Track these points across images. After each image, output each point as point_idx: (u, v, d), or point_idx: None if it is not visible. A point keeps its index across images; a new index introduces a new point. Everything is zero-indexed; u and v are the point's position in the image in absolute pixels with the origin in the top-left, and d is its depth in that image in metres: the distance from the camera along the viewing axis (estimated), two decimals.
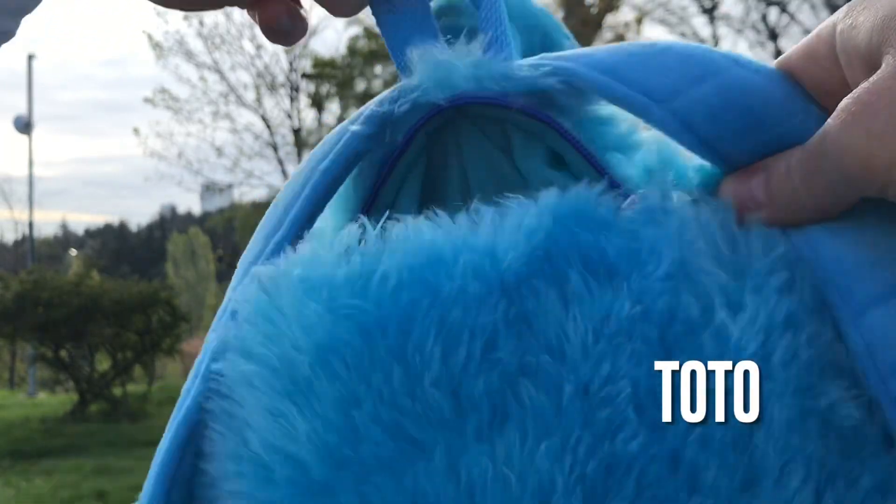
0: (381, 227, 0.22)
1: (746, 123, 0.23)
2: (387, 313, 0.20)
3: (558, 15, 9.05)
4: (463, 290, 0.20)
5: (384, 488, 0.20)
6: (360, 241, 0.22)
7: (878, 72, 0.21)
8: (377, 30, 0.28)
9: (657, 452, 0.19)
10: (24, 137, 12.22)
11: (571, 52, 0.26)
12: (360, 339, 0.20)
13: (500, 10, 0.28)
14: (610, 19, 8.86)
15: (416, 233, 0.22)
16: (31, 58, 12.51)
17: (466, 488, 0.19)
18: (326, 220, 0.27)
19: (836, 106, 0.23)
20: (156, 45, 11.04)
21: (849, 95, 0.22)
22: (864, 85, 0.21)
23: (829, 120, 0.22)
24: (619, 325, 0.20)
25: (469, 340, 0.20)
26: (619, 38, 8.85)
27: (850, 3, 0.23)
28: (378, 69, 12.02)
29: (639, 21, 8.83)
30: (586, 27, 8.43)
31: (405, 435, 0.20)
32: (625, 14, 8.98)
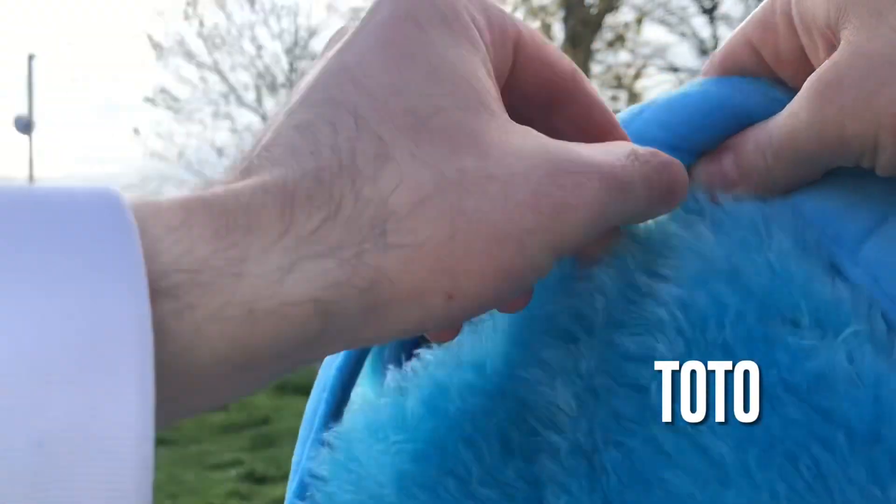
0: (406, 368, 0.27)
1: (694, 123, 0.26)
2: (423, 440, 0.25)
3: (558, 15, 9.08)
4: (463, 407, 0.25)
5: None
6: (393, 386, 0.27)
7: (839, 49, 0.22)
8: None
9: None
10: (25, 137, 12.24)
11: None
12: (415, 466, 0.24)
13: None
14: (610, 19, 8.86)
15: (424, 366, 0.26)
16: (31, 58, 12.53)
17: None
18: (364, 382, 0.30)
19: (793, 72, 0.25)
20: (156, 46, 11.06)
21: (813, 75, 0.23)
22: (826, 65, 0.22)
23: (796, 100, 0.23)
24: None
25: (486, 442, 0.24)
26: (619, 38, 8.86)
27: None
28: None
29: (639, 21, 8.83)
30: (586, 27, 8.43)
31: None
32: (625, 14, 8.98)
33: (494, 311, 0.25)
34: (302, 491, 0.27)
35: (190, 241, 0.16)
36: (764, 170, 0.24)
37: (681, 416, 0.21)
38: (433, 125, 0.19)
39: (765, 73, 0.27)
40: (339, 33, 0.22)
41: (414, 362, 0.26)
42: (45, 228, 0.14)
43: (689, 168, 0.26)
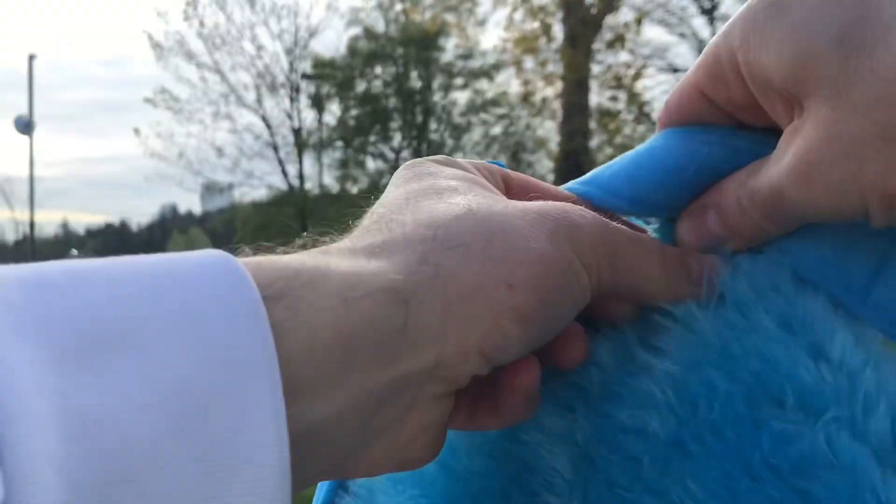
0: None
1: (659, 181, 0.27)
2: (436, 496, 0.28)
3: (558, 15, 9.08)
4: (469, 467, 0.27)
5: None
6: None
7: (809, 124, 0.23)
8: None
9: None
10: (25, 138, 12.24)
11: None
12: None
13: None
14: (610, 20, 8.87)
15: None
16: (31, 58, 12.53)
17: None
18: None
19: (750, 116, 0.26)
20: (156, 46, 11.06)
21: (791, 153, 0.23)
22: (802, 143, 0.23)
23: (778, 174, 0.24)
24: None
25: (489, 501, 0.27)
26: (619, 38, 8.86)
27: (735, 24, 0.25)
28: (378, 70, 12.04)
29: (638, 21, 8.84)
30: (586, 27, 8.44)
31: None
32: (624, 14, 8.99)
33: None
34: None
35: (282, 260, 0.20)
36: (753, 227, 0.25)
37: (669, 488, 0.23)
38: (447, 194, 0.25)
39: (721, 119, 0.27)
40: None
41: None
42: (182, 292, 0.17)
43: (658, 222, 0.28)
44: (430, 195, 0.24)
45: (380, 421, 0.21)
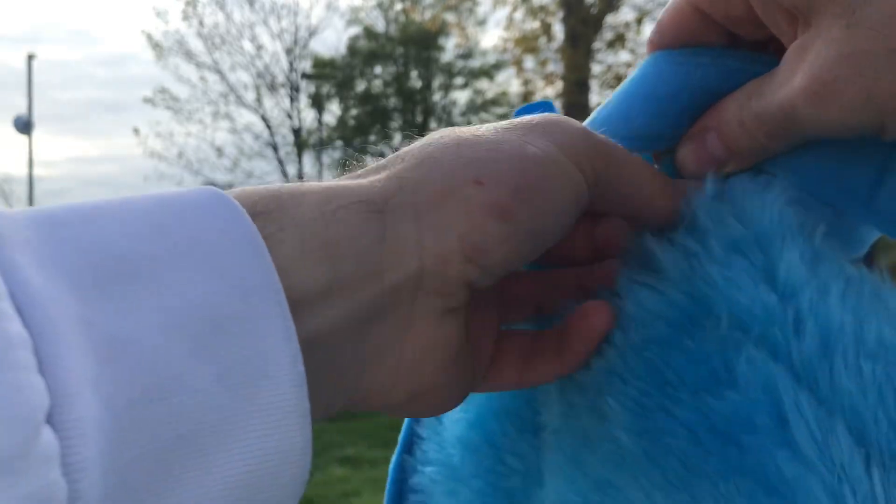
0: None
1: (654, 112, 0.26)
2: (474, 413, 0.31)
3: (558, 14, 9.07)
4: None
5: None
6: None
7: (823, 43, 0.23)
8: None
9: None
10: (24, 137, 12.23)
11: None
12: (470, 432, 0.31)
13: None
14: (610, 19, 8.86)
15: None
16: (30, 57, 12.52)
17: None
18: None
19: (747, 31, 0.26)
20: (156, 45, 11.05)
21: (803, 71, 0.23)
22: (815, 61, 0.23)
23: (789, 94, 0.23)
24: None
25: (508, 419, 0.30)
26: (620, 37, 8.85)
27: None
28: (378, 69, 12.03)
29: (639, 21, 8.83)
30: (586, 27, 8.43)
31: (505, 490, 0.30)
32: (625, 14, 8.98)
33: None
34: (408, 446, 0.34)
35: (262, 187, 0.21)
36: (757, 147, 0.25)
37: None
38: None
39: (713, 36, 0.27)
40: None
41: None
42: (189, 229, 0.19)
43: (656, 154, 0.28)
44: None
45: (377, 337, 0.21)
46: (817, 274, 0.23)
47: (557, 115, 0.25)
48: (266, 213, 0.20)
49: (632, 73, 0.27)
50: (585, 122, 0.28)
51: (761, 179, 0.25)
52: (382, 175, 0.22)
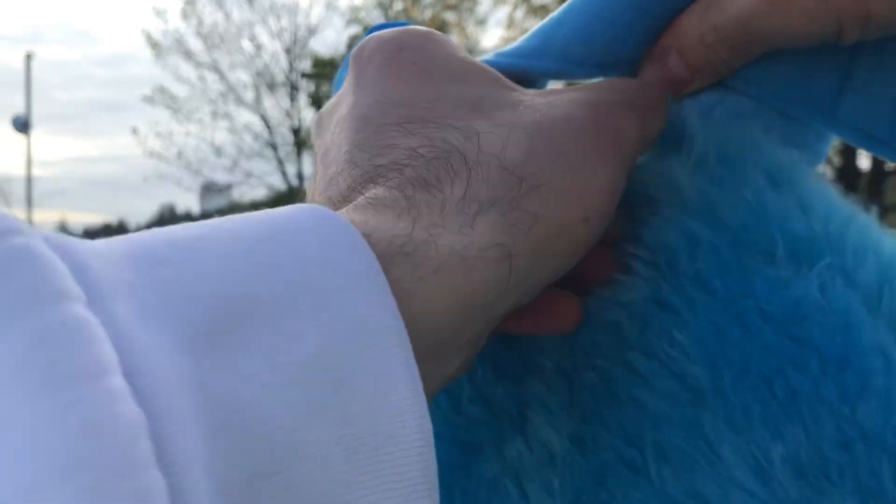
0: None
1: (616, 34, 0.25)
2: None
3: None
4: None
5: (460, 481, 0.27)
6: None
7: None
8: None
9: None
10: (23, 137, 12.22)
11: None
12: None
13: None
14: None
15: None
16: (29, 57, 12.51)
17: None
18: None
19: None
20: (154, 45, 11.04)
21: None
22: None
23: (747, 4, 0.23)
24: None
25: (479, 364, 0.26)
26: None
27: None
28: None
29: None
30: None
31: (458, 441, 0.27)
32: None
33: None
34: None
35: (382, 225, 0.18)
36: (718, 62, 0.25)
37: (653, 344, 0.23)
38: (486, 105, 0.22)
39: None
40: (331, 106, 0.24)
41: None
42: (302, 260, 0.16)
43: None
44: (471, 109, 0.22)
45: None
46: (851, 207, 0.23)
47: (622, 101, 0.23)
48: (395, 254, 0.18)
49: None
50: (518, 45, 0.27)
51: (730, 101, 0.25)
52: (503, 203, 0.20)
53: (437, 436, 0.23)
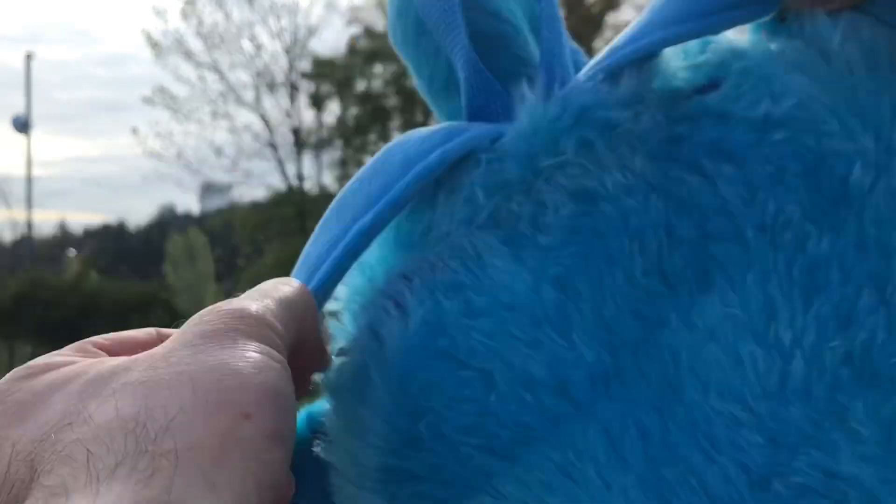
0: None
1: None
2: (581, 242, 0.25)
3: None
4: (622, 207, 0.25)
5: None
6: None
7: None
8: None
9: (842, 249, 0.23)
10: (23, 137, 12.19)
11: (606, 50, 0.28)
12: (576, 262, 0.25)
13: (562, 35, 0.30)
14: (611, 18, 8.82)
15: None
16: (29, 57, 12.48)
17: (704, 331, 0.24)
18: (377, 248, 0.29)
19: None
20: (154, 45, 11.01)
21: None
22: None
23: None
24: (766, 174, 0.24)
25: (653, 233, 0.25)
26: None
27: None
28: (378, 69, 11.98)
29: None
30: (587, 26, 8.39)
31: (643, 315, 0.25)
32: (626, 13, 8.94)
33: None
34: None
35: None
36: None
37: None
38: (92, 387, 0.22)
39: None
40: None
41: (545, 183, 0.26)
42: None
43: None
44: (79, 400, 0.21)
45: None
46: None
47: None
48: None
49: None
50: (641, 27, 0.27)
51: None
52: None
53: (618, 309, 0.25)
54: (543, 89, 0.27)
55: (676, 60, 0.27)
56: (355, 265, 0.28)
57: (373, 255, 0.28)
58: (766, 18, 0.27)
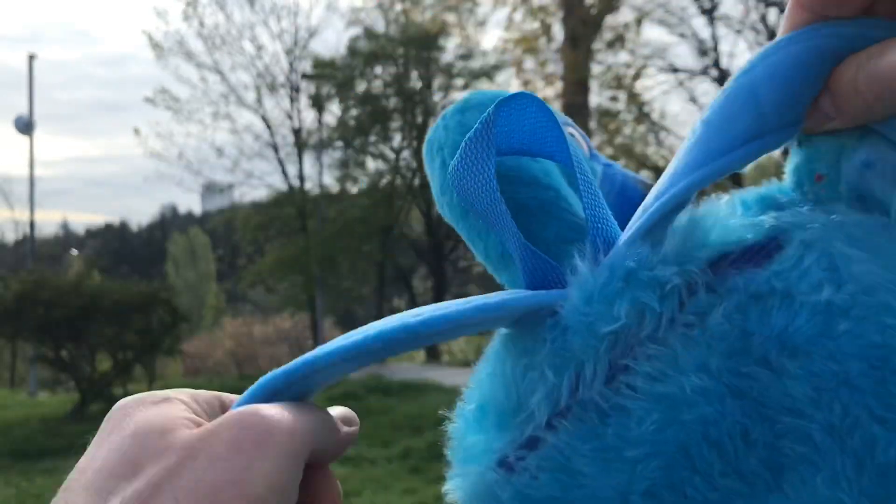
0: None
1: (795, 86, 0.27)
2: (667, 452, 0.27)
3: (558, 15, 9.05)
4: (700, 414, 0.26)
5: None
6: None
7: None
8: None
9: None
10: (25, 137, 12.21)
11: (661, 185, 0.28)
12: (661, 472, 0.27)
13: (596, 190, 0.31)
14: (610, 20, 8.85)
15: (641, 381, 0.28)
16: (31, 58, 12.50)
17: None
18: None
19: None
20: (156, 46, 11.04)
21: None
22: None
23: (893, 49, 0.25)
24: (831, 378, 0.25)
25: (730, 440, 0.26)
26: (619, 38, 8.84)
27: None
28: (378, 69, 12.00)
29: (638, 22, 8.82)
30: (586, 27, 8.42)
31: None
32: (624, 14, 8.96)
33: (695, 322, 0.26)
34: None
35: None
36: (864, 108, 0.26)
37: None
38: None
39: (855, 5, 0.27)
40: None
41: (625, 379, 0.27)
42: None
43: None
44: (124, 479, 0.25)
45: None
46: None
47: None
48: None
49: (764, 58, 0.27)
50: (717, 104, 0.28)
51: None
52: None
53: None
54: (591, 258, 0.28)
55: (733, 217, 0.28)
56: (473, 439, 0.29)
57: (475, 434, 0.30)
58: (790, 144, 0.28)
